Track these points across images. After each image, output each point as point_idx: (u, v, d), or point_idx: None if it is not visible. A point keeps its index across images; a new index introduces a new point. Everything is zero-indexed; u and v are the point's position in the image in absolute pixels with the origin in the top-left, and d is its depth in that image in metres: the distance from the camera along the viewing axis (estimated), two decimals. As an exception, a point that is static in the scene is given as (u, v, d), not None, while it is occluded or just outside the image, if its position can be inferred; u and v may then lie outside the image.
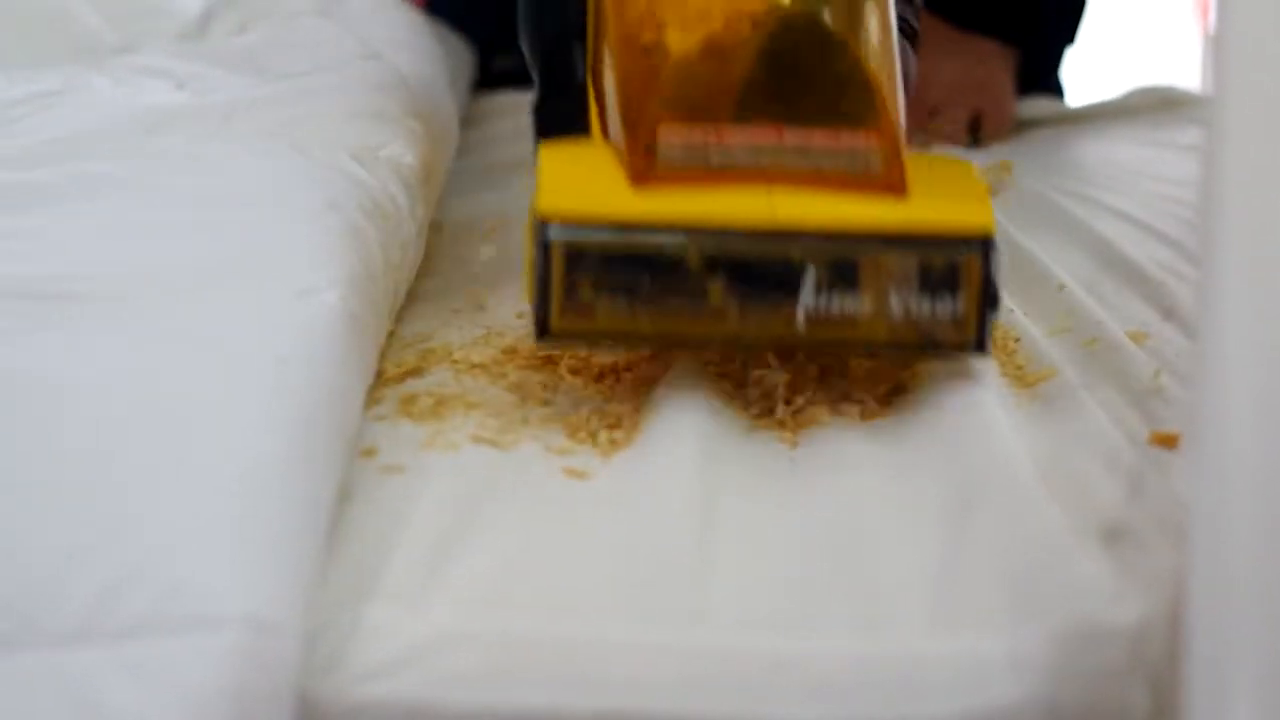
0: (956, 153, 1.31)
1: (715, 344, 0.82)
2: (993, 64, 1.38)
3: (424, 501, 0.75)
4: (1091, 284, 1.02)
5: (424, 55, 1.23)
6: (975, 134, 1.36)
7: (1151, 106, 1.42)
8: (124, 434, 0.71)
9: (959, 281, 0.79)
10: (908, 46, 0.93)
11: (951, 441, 0.80)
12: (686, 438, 0.80)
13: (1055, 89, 1.50)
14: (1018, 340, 0.93)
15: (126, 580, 0.65)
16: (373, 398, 0.85)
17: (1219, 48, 0.66)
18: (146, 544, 0.66)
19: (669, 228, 0.78)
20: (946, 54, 1.36)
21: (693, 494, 0.76)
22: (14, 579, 0.65)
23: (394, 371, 0.89)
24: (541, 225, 0.79)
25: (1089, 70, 1.56)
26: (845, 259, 0.79)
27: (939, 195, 0.81)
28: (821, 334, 0.79)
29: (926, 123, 1.35)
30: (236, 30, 1.24)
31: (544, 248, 0.79)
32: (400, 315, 0.97)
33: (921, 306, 0.79)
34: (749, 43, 0.79)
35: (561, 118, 0.88)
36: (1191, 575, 0.62)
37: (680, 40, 0.80)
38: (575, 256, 0.79)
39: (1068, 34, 1.44)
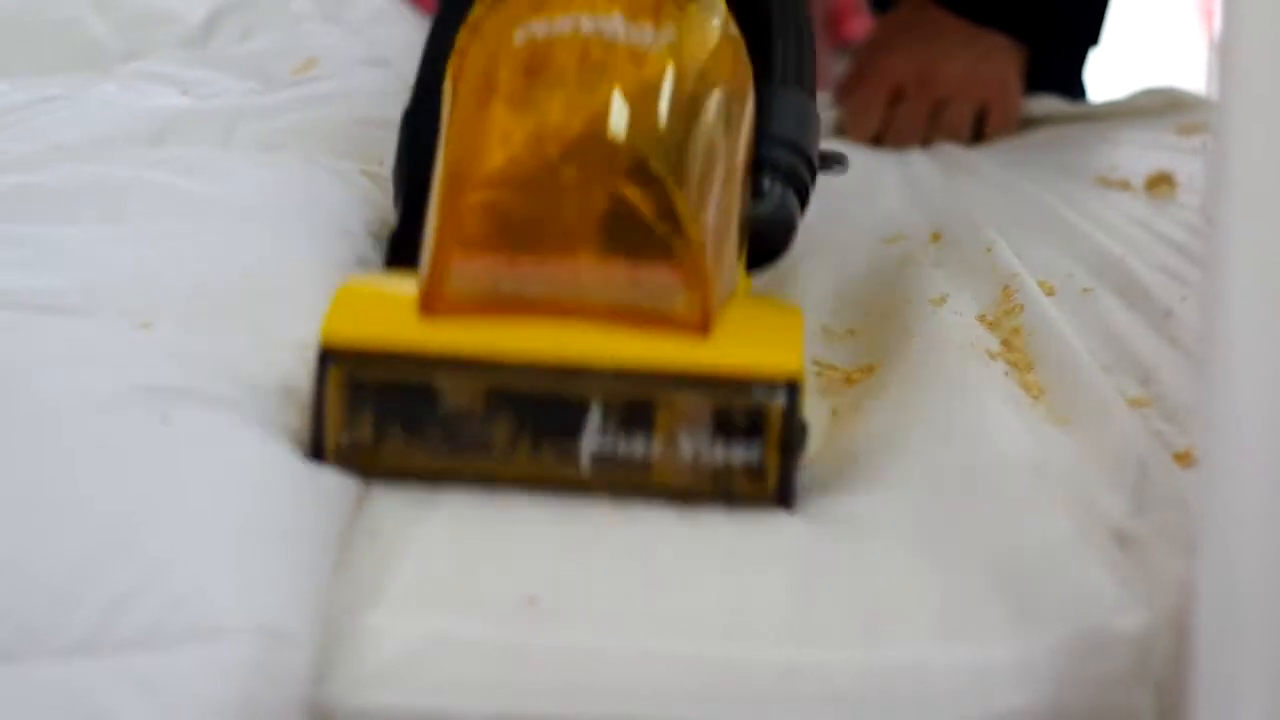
0: (959, 147, 1.31)
1: (501, 484, 0.75)
2: (1001, 60, 1.38)
3: (424, 508, 0.75)
4: (1082, 290, 1.01)
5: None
6: (980, 129, 1.36)
7: (1158, 108, 1.42)
8: (129, 444, 0.71)
9: (759, 428, 0.74)
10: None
11: (956, 446, 0.80)
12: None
13: (1078, 91, 1.50)
14: (1017, 333, 0.93)
15: (134, 591, 0.65)
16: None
17: (1225, 53, 0.66)
18: (154, 555, 0.66)
19: (450, 360, 0.74)
20: (955, 48, 1.36)
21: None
22: (22, 591, 0.65)
23: None
24: (321, 354, 0.75)
25: (1093, 73, 1.56)
26: (635, 399, 0.74)
27: (748, 337, 0.76)
28: (609, 477, 0.75)
29: (929, 115, 1.35)
30: (241, 36, 1.24)
31: (321, 377, 0.75)
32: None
33: (717, 453, 0.74)
34: (555, 171, 0.74)
35: (410, 248, 0.81)
36: (1199, 582, 0.62)
37: (486, 164, 0.75)
38: (354, 386, 0.75)
39: (1088, 35, 1.43)
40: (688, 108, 0.78)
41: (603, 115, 0.75)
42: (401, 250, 0.86)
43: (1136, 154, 1.28)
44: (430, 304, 0.75)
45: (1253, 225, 0.64)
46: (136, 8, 1.26)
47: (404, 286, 0.77)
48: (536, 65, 0.77)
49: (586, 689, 0.67)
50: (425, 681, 0.67)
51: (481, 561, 0.72)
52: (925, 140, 1.33)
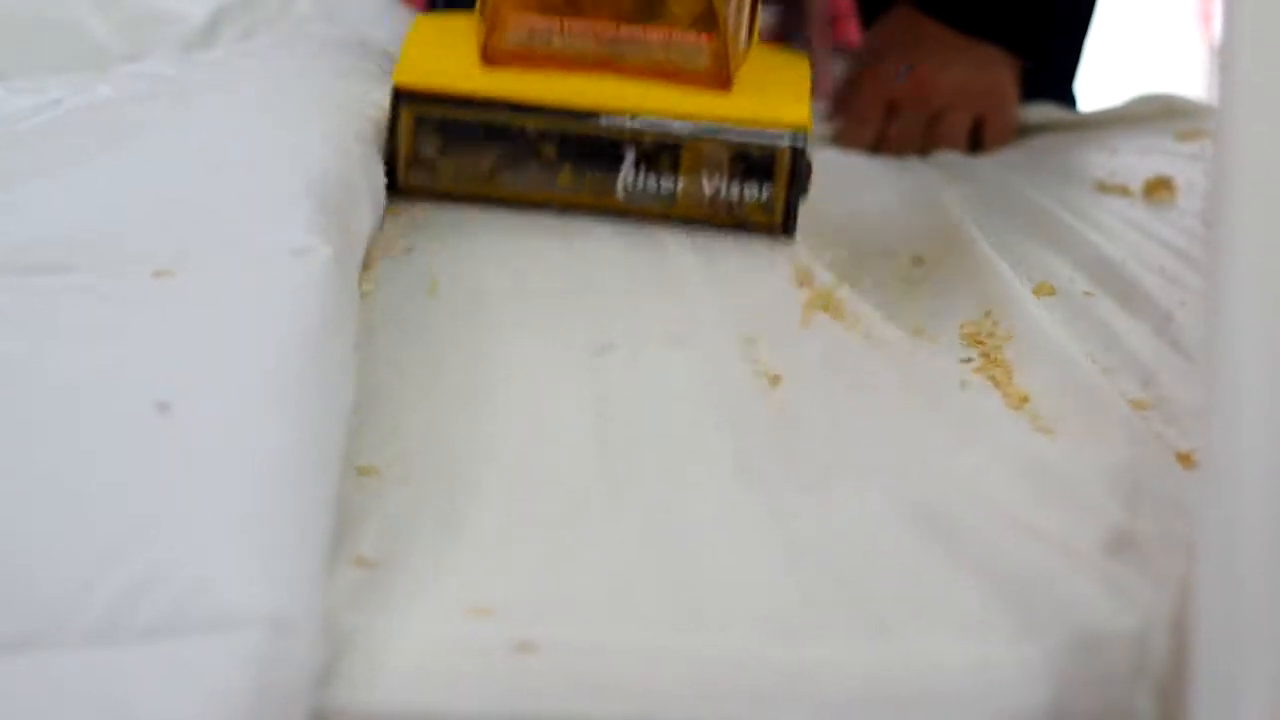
0: (958, 158, 1.31)
1: (548, 205, 0.93)
2: (997, 70, 1.38)
3: (425, 505, 0.75)
4: (1083, 294, 1.01)
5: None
6: (977, 140, 1.36)
7: (1155, 114, 1.42)
8: (136, 432, 0.71)
9: (771, 171, 0.91)
10: None
11: (954, 447, 0.80)
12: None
13: (1069, 102, 1.50)
14: (1000, 344, 0.93)
15: (150, 580, 0.65)
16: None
17: (1225, 57, 0.66)
18: (170, 543, 0.67)
19: (508, 103, 0.92)
20: (951, 59, 1.36)
21: (694, 501, 0.76)
22: (39, 580, 0.65)
23: None
24: (394, 94, 0.92)
25: (1091, 79, 1.56)
26: (664, 142, 0.91)
27: (762, 91, 0.93)
28: (639, 206, 0.92)
29: (926, 126, 1.35)
30: (243, 37, 1.24)
31: (394, 115, 0.93)
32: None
33: (733, 191, 0.91)
34: None
35: None
36: (1199, 584, 0.62)
37: None
38: (422, 123, 0.92)
39: (1076, 45, 1.44)
40: None
41: None
42: None
43: (1135, 160, 1.28)
44: (490, 56, 0.92)
45: (1253, 229, 0.64)
46: (137, 8, 1.26)
47: (465, 34, 0.94)
48: None
49: (592, 688, 0.67)
50: (431, 681, 0.67)
51: (478, 559, 0.72)
52: (923, 151, 1.33)
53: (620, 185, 0.91)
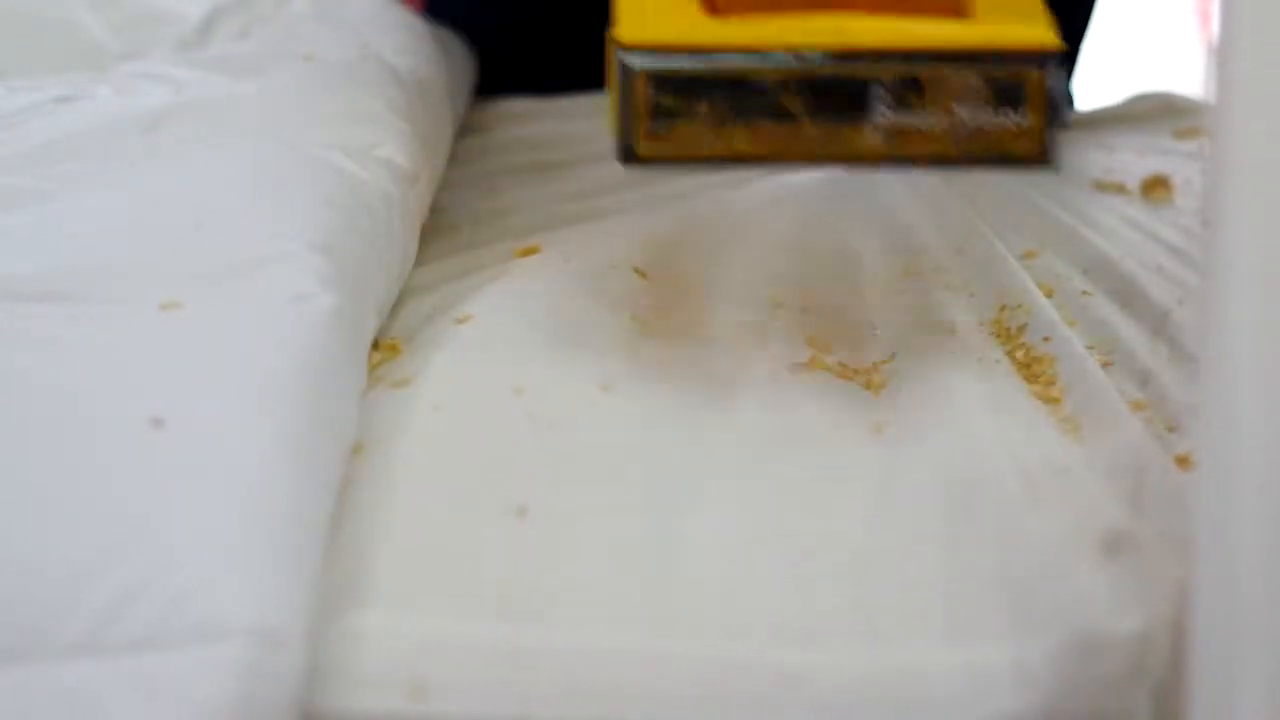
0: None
1: (794, 160, 0.87)
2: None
3: (416, 508, 0.75)
4: (1081, 293, 1.01)
5: (424, 58, 1.23)
6: None
7: (1152, 113, 1.41)
8: (124, 445, 0.71)
9: (1023, 96, 0.85)
10: None
11: (952, 445, 0.80)
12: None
13: (1066, 97, 1.50)
14: (1023, 341, 0.93)
15: (132, 593, 0.65)
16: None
17: (1222, 55, 0.66)
18: (151, 556, 0.66)
19: (746, 51, 0.85)
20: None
21: (688, 504, 0.76)
22: (19, 592, 0.65)
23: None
24: (623, 53, 0.85)
25: (1088, 77, 1.56)
26: (913, 76, 0.85)
27: (1004, 17, 0.87)
28: (893, 149, 0.86)
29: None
30: (238, 36, 1.24)
31: (627, 75, 0.85)
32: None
33: (988, 120, 0.86)
34: None
35: None
36: (1197, 584, 0.62)
37: None
38: (658, 81, 0.85)
39: (1074, 43, 1.43)
40: None
41: None
42: None
43: (1132, 158, 1.28)
44: (715, 4, 0.87)
45: (1250, 227, 0.64)
46: (135, 7, 1.26)
47: None
48: None
49: (583, 691, 0.67)
50: (418, 684, 0.67)
51: (470, 561, 0.72)
52: None
53: (870, 128, 0.86)
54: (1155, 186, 1.20)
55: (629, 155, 0.87)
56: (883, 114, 0.85)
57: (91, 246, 0.85)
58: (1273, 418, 0.61)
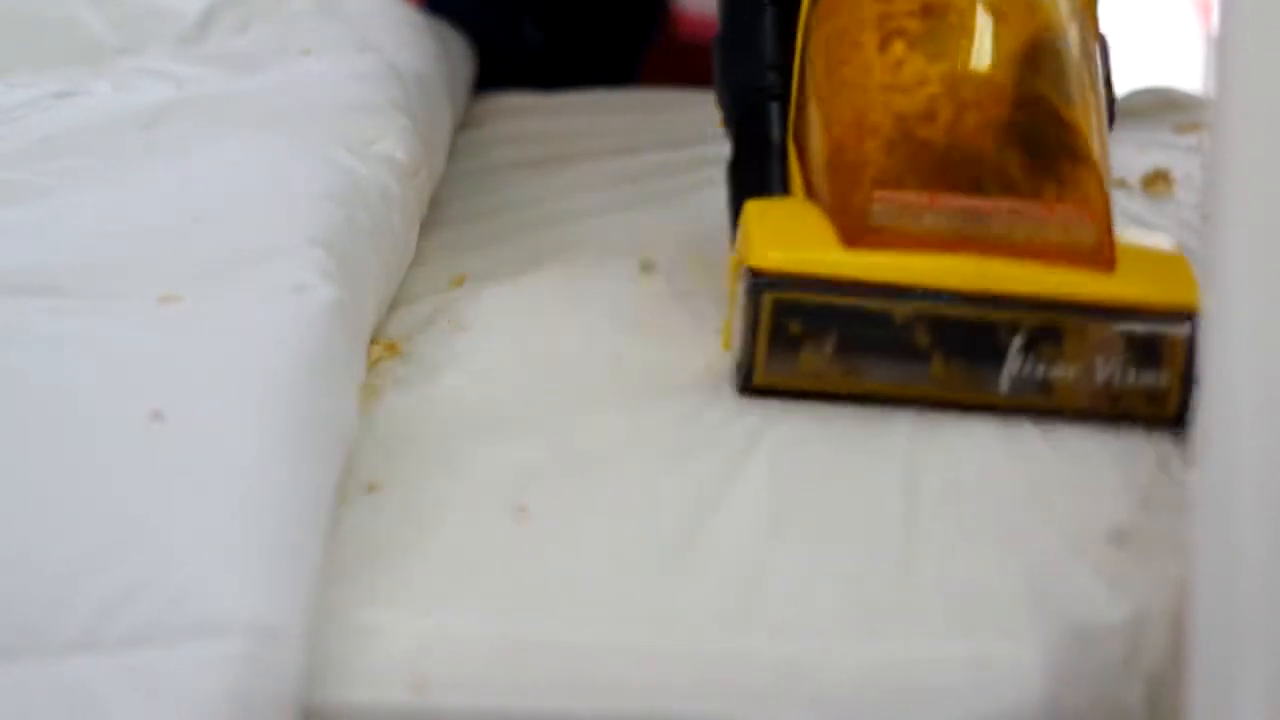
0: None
1: (916, 402, 0.82)
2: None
3: (418, 504, 0.75)
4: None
5: (423, 53, 1.23)
6: None
7: (1153, 107, 1.41)
8: (123, 441, 0.71)
9: (1163, 356, 0.81)
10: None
11: (950, 440, 0.80)
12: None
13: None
14: None
15: (130, 589, 0.65)
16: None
17: (1222, 49, 0.66)
18: (150, 553, 0.66)
19: (882, 287, 0.80)
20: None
21: (695, 498, 0.76)
22: (18, 589, 0.65)
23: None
24: (754, 277, 0.81)
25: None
26: (1052, 327, 0.81)
27: (1147, 271, 0.83)
28: (1021, 399, 0.82)
29: None
30: (237, 31, 1.24)
31: (754, 300, 0.81)
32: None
33: (1124, 379, 0.82)
34: (968, 114, 0.81)
35: (759, 177, 0.90)
36: (1196, 579, 0.62)
37: (896, 105, 0.82)
38: (786, 310, 0.81)
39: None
40: (1078, 48, 0.85)
41: (1012, 58, 0.82)
42: (746, 181, 0.91)
43: (1133, 153, 1.28)
44: (852, 236, 0.81)
45: (1249, 221, 0.64)
46: (132, 4, 1.26)
47: (806, 215, 0.83)
48: (932, 9, 0.83)
49: (585, 685, 0.67)
50: (424, 678, 0.67)
51: (471, 557, 0.72)
52: None
53: (1005, 376, 0.81)
54: (1156, 181, 1.20)
55: (746, 382, 0.82)
56: (1016, 363, 0.81)
57: (91, 241, 0.85)
58: (1271, 411, 0.61)
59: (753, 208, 0.85)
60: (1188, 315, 0.81)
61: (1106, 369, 0.81)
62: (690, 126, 1.22)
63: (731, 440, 0.79)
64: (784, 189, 0.90)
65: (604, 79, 1.43)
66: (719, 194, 1.04)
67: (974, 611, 0.70)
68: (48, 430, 0.72)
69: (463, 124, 1.31)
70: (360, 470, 0.78)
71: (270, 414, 0.73)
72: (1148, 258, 0.84)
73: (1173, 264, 0.84)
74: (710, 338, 0.89)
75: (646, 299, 0.94)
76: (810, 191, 0.86)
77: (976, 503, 0.76)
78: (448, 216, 1.16)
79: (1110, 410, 0.82)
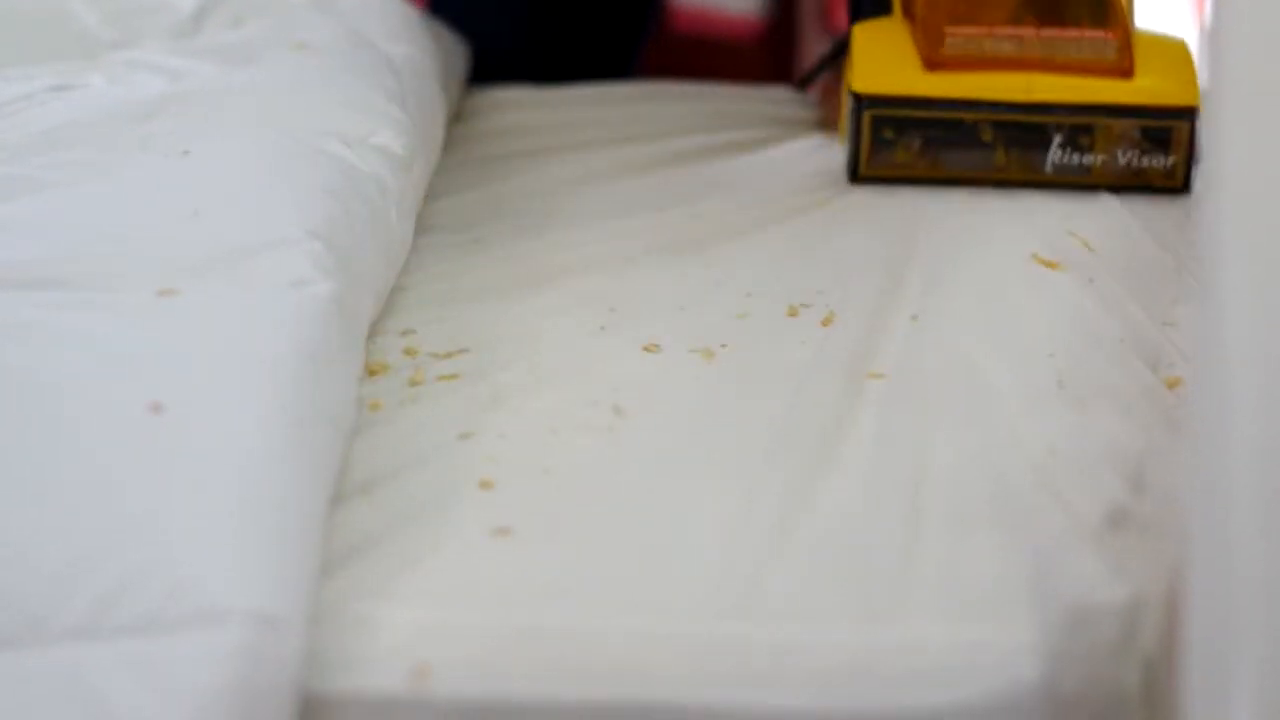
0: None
1: (984, 183, 1.10)
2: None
3: (415, 495, 0.75)
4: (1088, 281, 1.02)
5: (416, 47, 1.23)
6: None
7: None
8: (122, 432, 0.71)
9: (1172, 143, 1.09)
10: None
11: (949, 425, 0.81)
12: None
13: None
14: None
15: (131, 579, 0.65)
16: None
17: (1215, 41, 0.66)
18: (151, 543, 0.66)
19: (955, 102, 1.10)
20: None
21: (685, 486, 0.76)
22: (20, 579, 0.65)
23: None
24: (856, 99, 1.10)
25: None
26: (1085, 125, 1.09)
27: (1158, 76, 1.10)
28: (1063, 178, 1.10)
29: None
30: (232, 24, 1.24)
31: (857, 115, 1.10)
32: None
33: (1141, 161, 1.09)
34: None
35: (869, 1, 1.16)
36: (1192, 563, 0.63)
37: None
38: (881, 121, 1.10)
39: None
40: None
41: None
42: (859, 3, 1.17)
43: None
44: (931, 62, 1.10)
45: (1244, 213, 0.64)
46: (126, -3, 1.26)
47: (899, 41, 1.12)
48: None
49: (584, 671, 0.67)
50: (424, 666, 0.67)
51: (468, 546, 0.72)
52: None
53: (1049, 162, 1.09)
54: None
55: (854, 174, 1.11)
56: (1059, 153, 1.10)
57: (89, 235, 0.85)
58: (1266, 400, 0.61)
59: (859, 32, 1.13)
60: (1191, 110, 1.09)
61: (1128, 154, 1.09)
62: (686, 118, 1.22)
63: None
64: (889, 10, 1.15)
65: (601, 74, 1.43)
66: (715, 192, 1.05)
67: (971, 594, 0.70)
68: (47, 422, 0.72)
69: (457, 117, 1.31)
70: (358, 464, 0.78)
71: (269, 406, 0.73)
72: (1160, 59, 1.11)
73: (1180, 64, 1.10)
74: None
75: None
76: (906, 10, 1.13)
77: (978, 486, 0.76)
78: (442, 208, 1.16)
79: (1133, 183, 1.10)
